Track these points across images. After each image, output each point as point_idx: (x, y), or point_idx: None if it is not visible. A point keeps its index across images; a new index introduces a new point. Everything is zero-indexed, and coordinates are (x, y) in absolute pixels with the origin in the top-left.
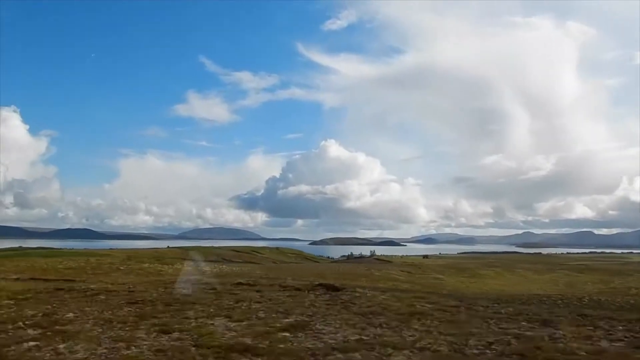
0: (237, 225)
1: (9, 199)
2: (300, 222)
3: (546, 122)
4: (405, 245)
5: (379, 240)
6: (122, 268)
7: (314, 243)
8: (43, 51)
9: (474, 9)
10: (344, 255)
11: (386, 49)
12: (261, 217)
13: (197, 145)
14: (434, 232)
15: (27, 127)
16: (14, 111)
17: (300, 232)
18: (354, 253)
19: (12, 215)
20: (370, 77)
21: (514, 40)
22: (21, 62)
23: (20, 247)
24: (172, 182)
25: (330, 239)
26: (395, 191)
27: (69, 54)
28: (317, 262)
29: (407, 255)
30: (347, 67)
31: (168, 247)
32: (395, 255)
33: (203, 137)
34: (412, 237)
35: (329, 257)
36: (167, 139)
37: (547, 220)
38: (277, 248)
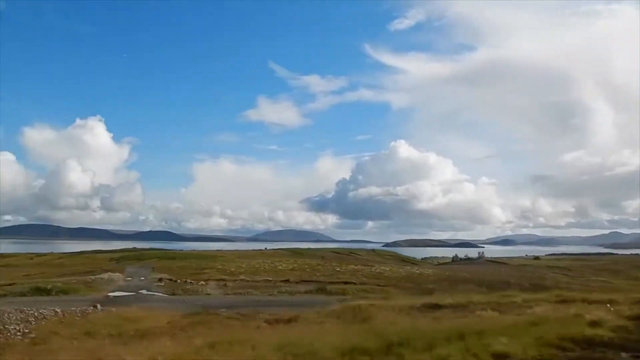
0: (307, 227)
1: (96, 203)
2: (370, 223)
3: (632, 115)
4: (483, 247)
5: (454, 242)
6: (360, 268)
7: (387, 245)
8: (121, 59)
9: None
10: (425, 258)
11: (456, 46)
12: (331, 219)
13: (268, 149)
14: (510, 233)
15: (111, 135)
16: (99, 120)
17: (371, 234)
18: (458, 255)
19: (99, 219)
20: (440, 75)
21: (595, 30)
22: (102, 71)
23: (134, 247)
24: (245, 186)
25: (403, 240)
26: (468, 191)
27: (145, 62)
28: (416, 264)
29: (510, 257)
30: (415, 67)
31: (265, 248)
32: (499, 257)
33: (273, 141)
34: (487, 239)
35: (421, 258)
36: (239, 144)
37: (636, 219)
38: (373, 250)
